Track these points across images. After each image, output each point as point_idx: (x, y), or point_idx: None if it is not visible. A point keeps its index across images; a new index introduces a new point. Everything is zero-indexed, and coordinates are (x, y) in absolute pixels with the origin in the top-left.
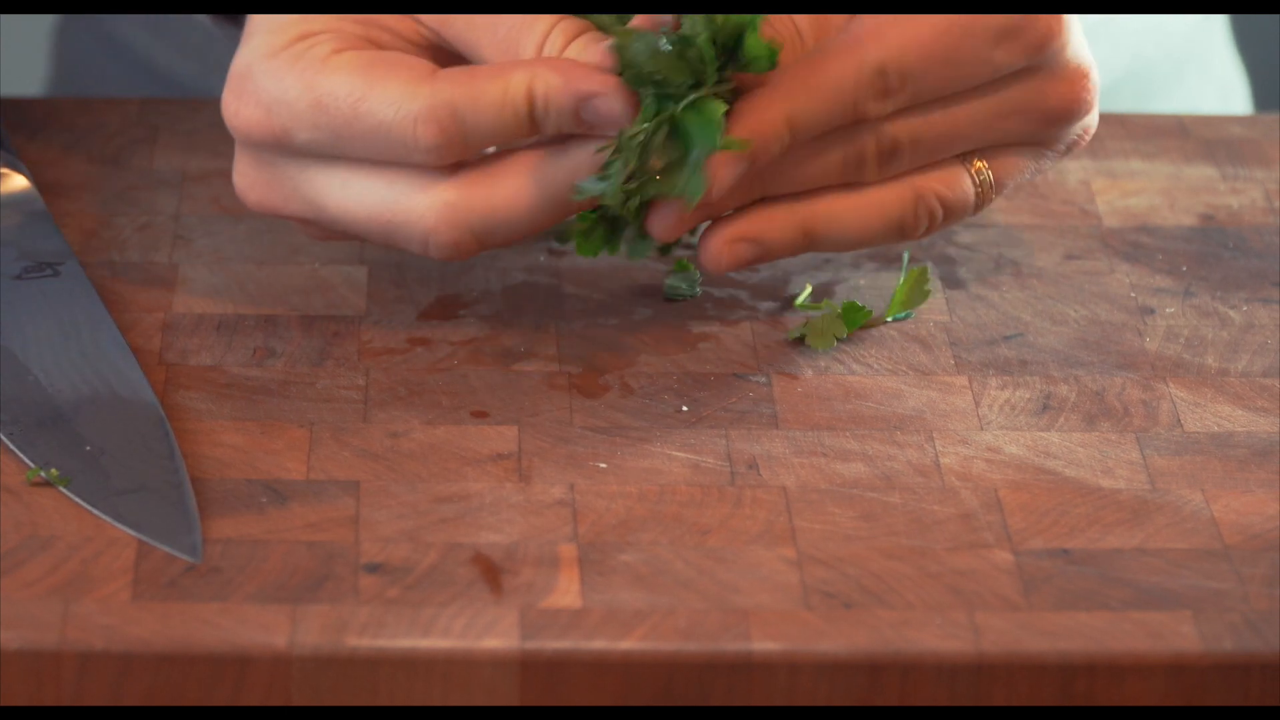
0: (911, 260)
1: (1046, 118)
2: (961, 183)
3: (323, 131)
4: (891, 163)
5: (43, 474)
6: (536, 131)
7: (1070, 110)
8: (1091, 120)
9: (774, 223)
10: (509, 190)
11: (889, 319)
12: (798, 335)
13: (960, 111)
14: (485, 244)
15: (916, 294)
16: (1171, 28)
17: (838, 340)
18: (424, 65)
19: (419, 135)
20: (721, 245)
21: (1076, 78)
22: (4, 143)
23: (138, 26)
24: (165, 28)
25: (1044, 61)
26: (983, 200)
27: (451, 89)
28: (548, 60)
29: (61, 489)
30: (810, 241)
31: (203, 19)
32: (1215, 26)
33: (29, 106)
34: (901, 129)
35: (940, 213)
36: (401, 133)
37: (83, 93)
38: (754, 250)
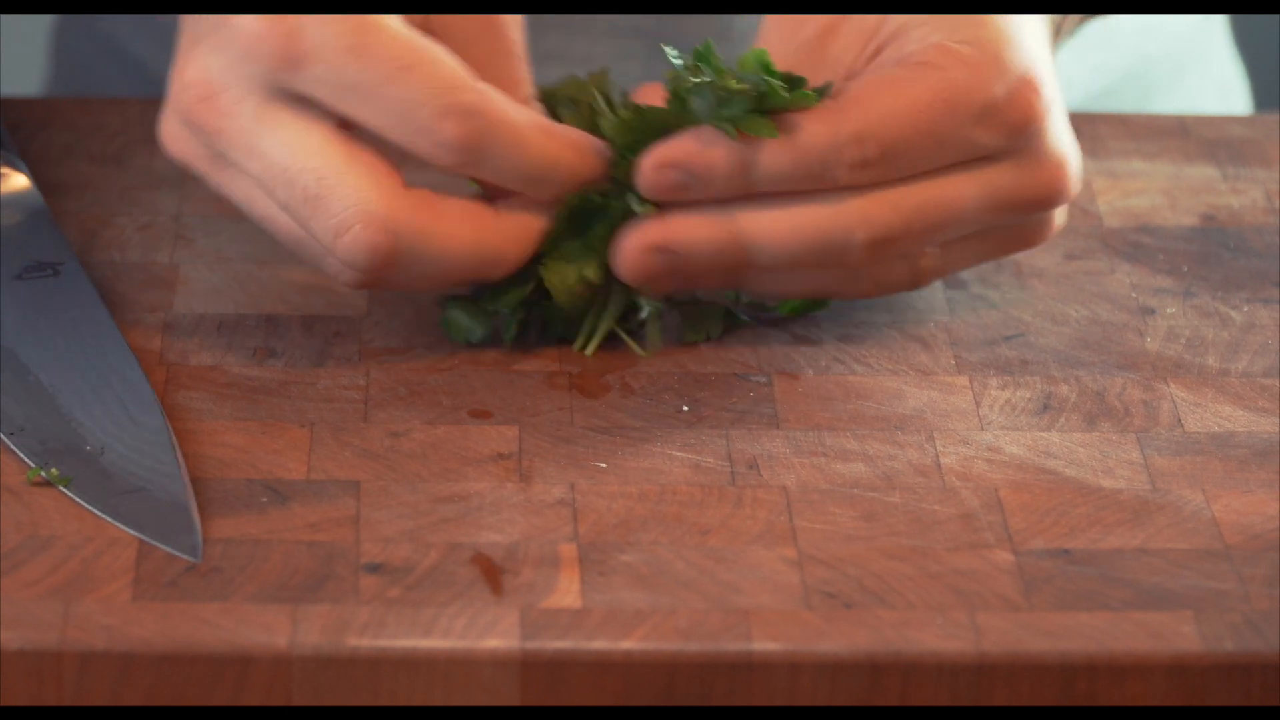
0: None
1: (1016, 203)
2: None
3: (346, 74)
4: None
5: (43, 474)
6: (532, 192)
7: (1044, 198)
8: (1061, 215)
9: (696, 229)
10: (449, 226)
11: (777, 312)
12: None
13: (933, 189)
14: (398, 262)
15: (814, 303)
16: (1172, 28)
17: (709, 337)
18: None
19: (442, 127)
20: (634, 254)
21: (1055, 165)
22: (5, 142)
23: (137, 31)
24: (164, 33)
25: (1023, 145)
26: (919, 273)
27: (497, 112)
28: (584, 145)
29: (62, 489)
30: (739, 251)
31: None
32: (1215, 26)
33: (30, 106)
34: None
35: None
36: (428, 115)
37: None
38: (667, 261)
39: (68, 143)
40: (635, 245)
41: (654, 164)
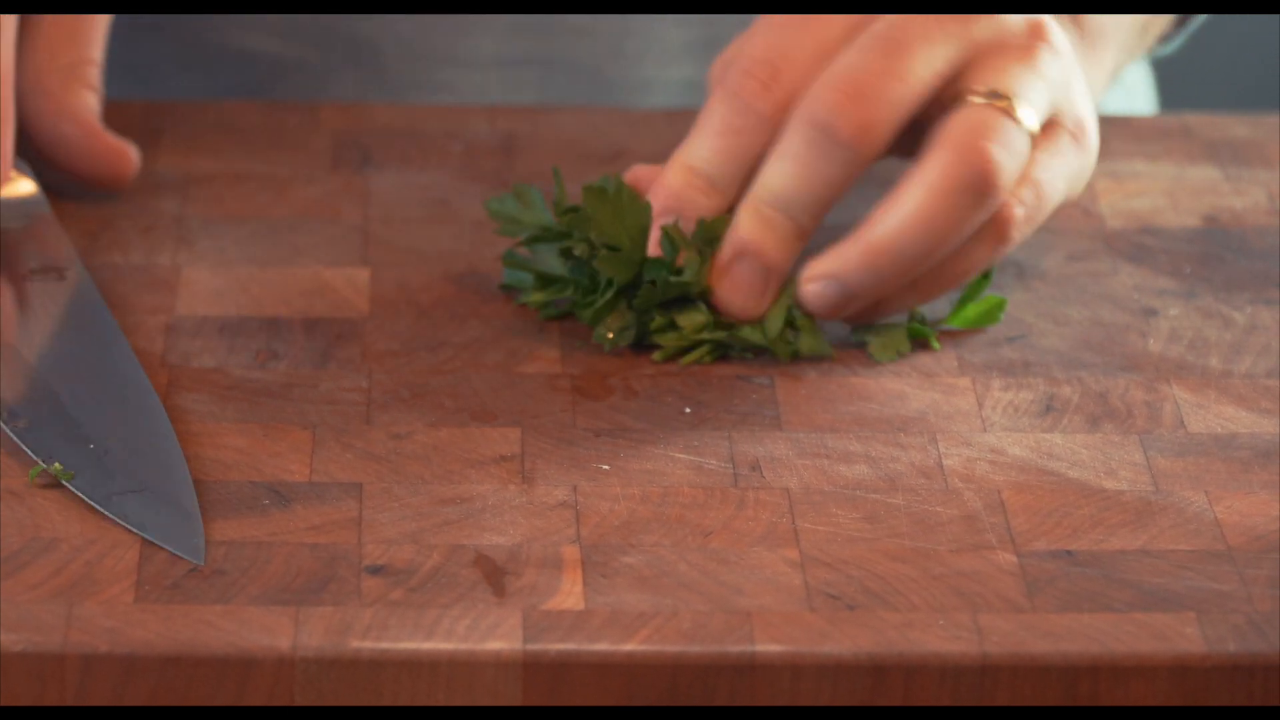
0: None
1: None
2: (997, 122)
3: None
4: None
5: (45, 468)
6: None
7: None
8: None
9: (843, 252)
10: None
11: (948, 325)
12: (861, 339)
13: None
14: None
15: (988, 318)
16: None
17: (899, 354)
18: None
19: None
20: (804, 287)
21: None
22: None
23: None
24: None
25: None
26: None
27: None
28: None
29: (65, 483)
30: (884, 260)
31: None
32: None
33: None
34: None
35: (1002, 157)
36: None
37: None
38: (834, 288)
39: None
40: (804, 278)
41: (804, 280)
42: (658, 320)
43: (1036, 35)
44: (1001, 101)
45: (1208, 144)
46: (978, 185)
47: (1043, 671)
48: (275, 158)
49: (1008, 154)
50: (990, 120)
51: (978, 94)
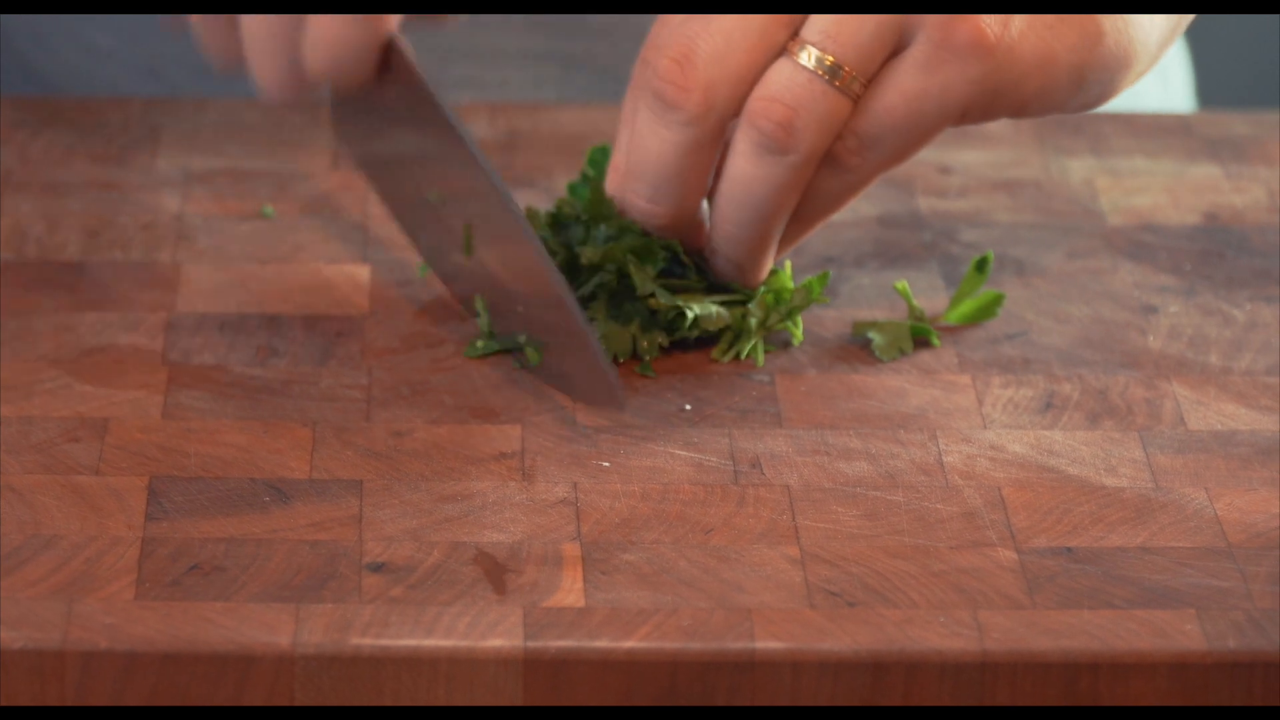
0: (980, 268)
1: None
2: (782, 75)
3: None
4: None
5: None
6: None
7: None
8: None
9: (714, 230)
10: None
11: (946, 320)
12: (863, 336)
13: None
14: None
15: (985, 313)
16: None
17: (902, 353)
18: None
19: None
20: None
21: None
22: None
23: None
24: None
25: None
26: (838, 77)
27: None
28: None
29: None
30: (736, 230)
31: None
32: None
33: (33, 105)
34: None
35: (780, 111)
36: None
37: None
38: (720, 261)
39: (70, 142)
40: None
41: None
42: (676, 317)
43: None
44: (802, 52)
45: (1208, 141)
46: (766, 143)
47: (1043, 669)
48: (276, 154)
49: (790, 107)
50: (776, 75)
51: (791, 50)
